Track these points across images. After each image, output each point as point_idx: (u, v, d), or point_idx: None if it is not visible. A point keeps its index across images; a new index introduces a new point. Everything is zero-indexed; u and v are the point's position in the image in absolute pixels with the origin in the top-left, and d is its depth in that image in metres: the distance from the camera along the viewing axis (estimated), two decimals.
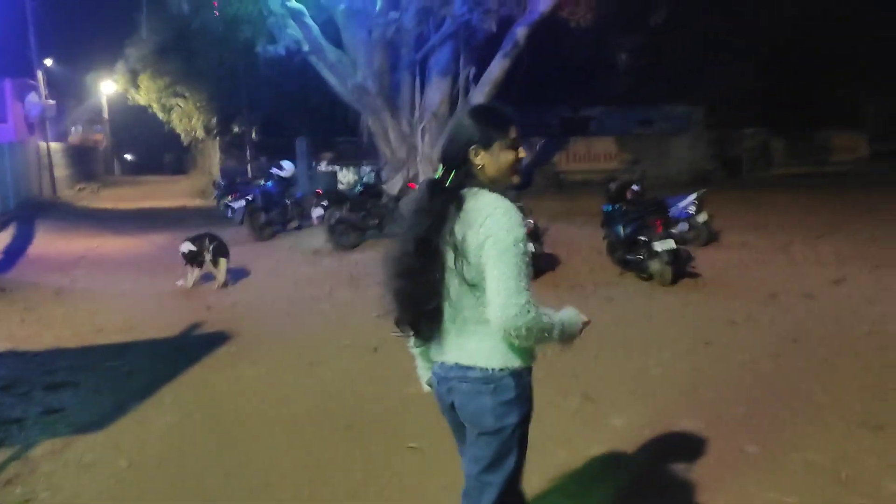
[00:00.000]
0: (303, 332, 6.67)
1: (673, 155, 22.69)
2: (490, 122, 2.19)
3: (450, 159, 2.19)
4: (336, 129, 21.55)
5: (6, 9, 21.02)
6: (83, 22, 38.10)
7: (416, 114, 13.41)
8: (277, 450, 4.07)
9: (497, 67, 13.21)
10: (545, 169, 21.99)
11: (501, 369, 2.14)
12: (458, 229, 2.10)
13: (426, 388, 2.50)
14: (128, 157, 53.50)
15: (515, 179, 2.21)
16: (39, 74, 23.37)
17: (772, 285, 7.51)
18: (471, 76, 13.32)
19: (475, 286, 2.11)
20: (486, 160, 2.16)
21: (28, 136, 23.22)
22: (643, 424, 4.19)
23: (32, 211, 17.56)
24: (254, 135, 25.27)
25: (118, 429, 4.42)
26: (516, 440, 2.23)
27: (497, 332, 2.08)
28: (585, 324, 2.30)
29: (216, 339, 6.39)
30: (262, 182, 15.01)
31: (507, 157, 2.19)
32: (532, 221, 8.62)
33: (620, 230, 8.42)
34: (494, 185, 2.17)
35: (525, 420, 2.24)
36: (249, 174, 20.62)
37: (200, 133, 25.77)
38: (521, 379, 2.20)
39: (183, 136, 26.79)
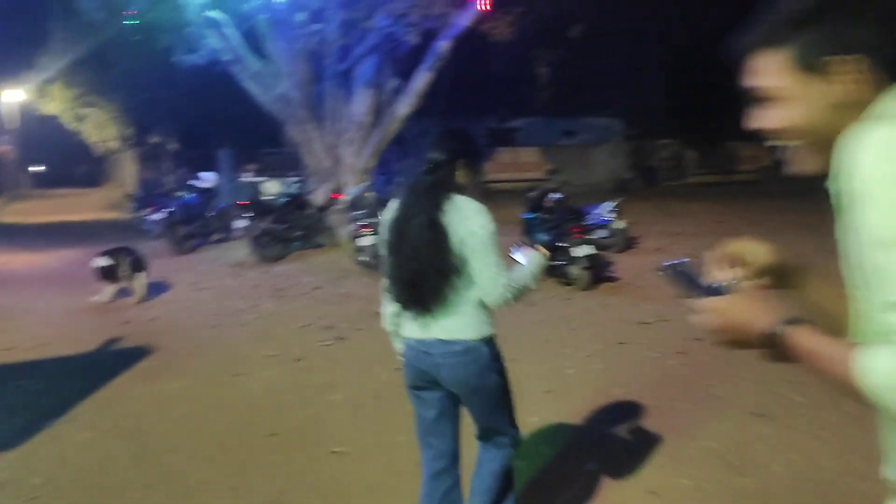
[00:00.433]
0: (226, 344, 6.61)
1: (595, 165, 23.37)
2: (479, 149, 2.78)
3: (439, 163, 2.62)
4: (259, 140, 21.31)
5: None
6: None
7: (341, 124, 13.40)
8: (199, 460, 4.06)
9: (421, 79, 13.33)
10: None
11: (477, 339, 2.57)
12: (437, 207, 2.52)
13: (401, 359, 2.85)
14: (36, 168, 51.33)
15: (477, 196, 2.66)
16: None
17: None
18: (395, 88, 13.41)
19: (460, 268, 2.51)
20: (466, 175, 2.66)
21: None
22: (558, 421, 4.36)
23: None
24: (172, 146, 24.71)
25: (32, 447, 4.30)
26: (501, 388, 2.71)
27: (489, 306, 2.58)
28: (545, 255, 2.78)
29: (135, 354, 6.27)
30: (181, 194, 14.74)
31: (481, 177, 2.79)
32: None
33: (540, 237, 8.67)
34: (465, 193, 2.62)
35: (502, 372, 2.70)
36: (168, 186, 20.16)
37: (116, 144, 25.02)
38: (493, 344, 2.66)
39: (96, 146, 25.95)
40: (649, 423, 4.28)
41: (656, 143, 24.67)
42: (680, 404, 4.53)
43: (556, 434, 4.20)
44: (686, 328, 6.00)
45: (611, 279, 8.57)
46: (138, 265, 8.43)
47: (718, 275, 1.31)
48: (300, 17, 12.10)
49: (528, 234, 9.09)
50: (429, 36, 12.97)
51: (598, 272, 8.40)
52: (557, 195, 10.02)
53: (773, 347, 1.13)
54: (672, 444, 3.95)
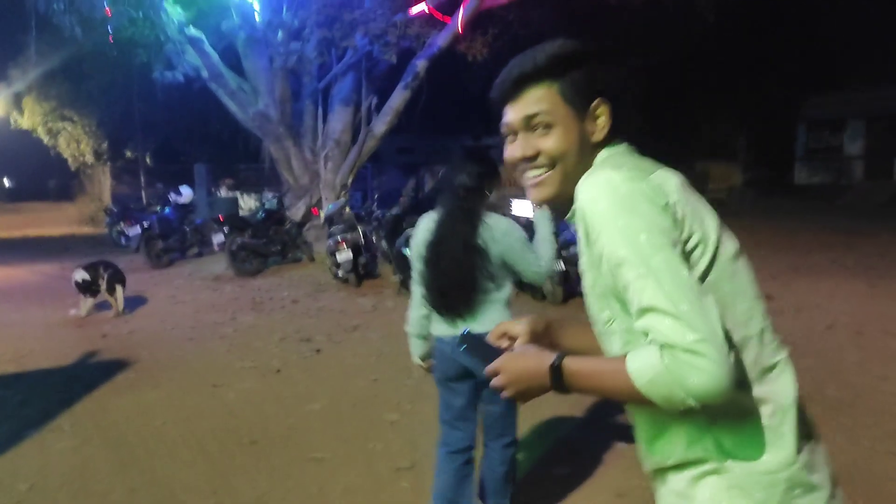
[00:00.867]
0: (205, 356, 6.71)
1: None
2: (494, 166, 3.03)
3: (472, 188, 2.94)
4: (236, 156, 21.39)
5: None
6: None
7: (319, 141, 13.56)
8: (181, 466, 4.17)
9: (398, 98, 13.54)
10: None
11: None
12: (482, 238, 2.88)
13: (419, 361, 3.32)
14: (5, 182, 50.72)
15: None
16: None
17: None
18: (373, 105, 13.60)
19: (496, 275, 2.92)
20: (491, 193, 3.01)
21: None
22: (529, 428, 4.53)
23: None
24: (148, 160, 24.66)
25: (16, 455, 4.39)
26: None
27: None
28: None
29: (114, 367, 6.35)
30: (158, 208, 14.77)
31: (502, 190, 3.21)
32: None
33: None
34: (493, 209, 3.00)
35: None
36: (144, 200, 20.13)
37: (90, 158, 24.89)
38: None
39: (70, 161, 25.79)
40: (618, 429, 4.47)
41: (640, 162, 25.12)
42: None
43: (527, 440, 4.37)
44: None
45: (583, 294, 8.80)
46: (117, 279, 8.49)
47: (502, 344, 1.53)
48: (279, 35, 12.27)
49: None
50: (406, 55, 13.21)
51: (571, 287, 8.61)
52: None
53: (556, 381, 1.31)
54: (631, 456, 4.12)
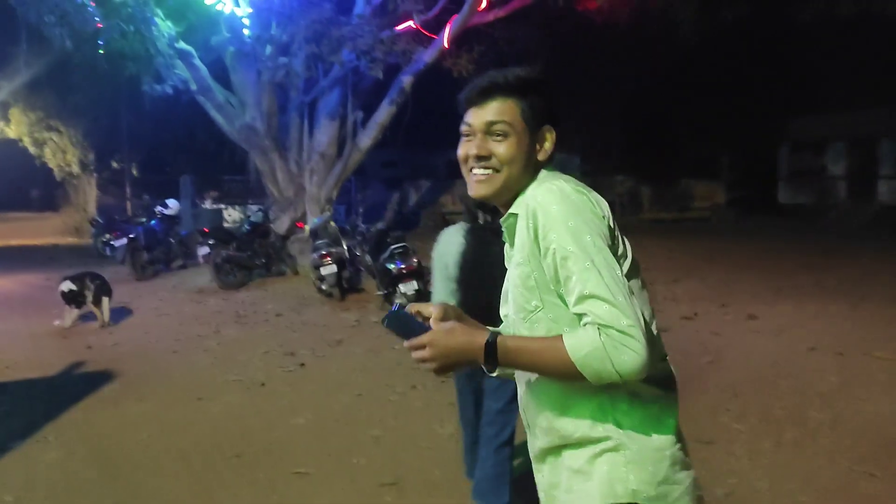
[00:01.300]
0: (189, 369, 6.75)
1: None
2: None
3: (489, 208, 3.12)
4: (222, 168, 21.39)
5: None
6: None
7: (304, 154, 13.62)
8: (166, 479, 4.22)
9: (384, 112, 13.65)
10: (432, 210, 22.61)
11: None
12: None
13: None
14: None
15: None
16: None
17: None
18: (358, 120, 13.68)
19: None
20: None
21: None
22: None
23: None
24: (134, 171, 24.61)
25: (1, 466, 4.42)
26: None
27: None
28: None
29: (99, 379, 6.37)
30: (143, 220, 14.77)
31: None
32: (416, 261, 9.05)
33: None
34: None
35: None
36: (129, 212, 20.09)
37: (76, 168, 24.79)
38: None
39: (56, 171, 25.67)
40: None
41: (612, 180, 25.33)
42: None
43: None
44: None
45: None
46: (103, 290, 8.51)
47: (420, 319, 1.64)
48: (267, 50, 12.37)
49: None
50: (392, 71, 13.34)
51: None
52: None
53: (489, 357, 1.50)
54: None
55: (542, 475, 1.69)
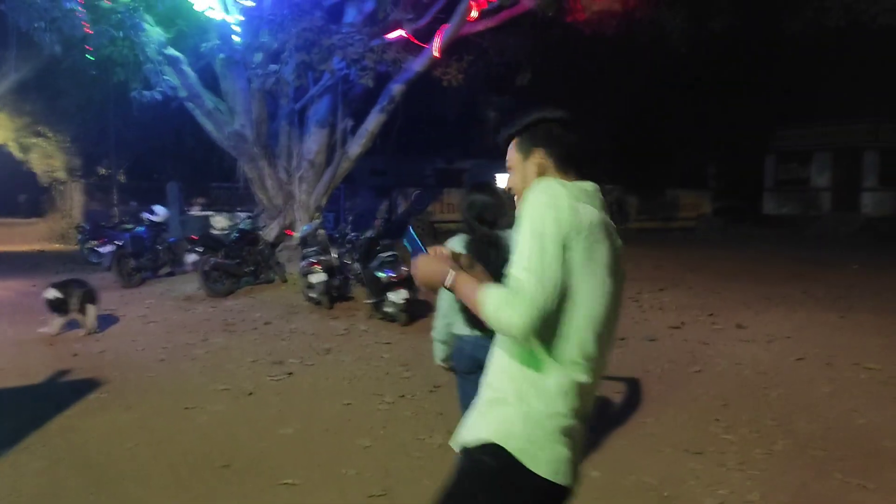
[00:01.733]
0: (177, 377, 6.70)
1: None
2: (503, 195, 3.38)
3: (488, 220, 3.42)
4: (211, 175, 21.30)
5: None
6: None
7: (294, 162, 13.60)
8: (154, 489, 4.18)
9: (374, 121, 13.67)
10: (421, 218, 22.60)
11: None
12: (503, 258, 3.26)
13: (440, 363, 3.83)
14: None
15: None
16: None
17: (621, 331, 8.22)
18: (348, 128, 13.69)
19: None
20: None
21: None
22: None
23: None
24: (121, 178, 24.47)
25: None
26: None
27: None
28: None
29: (85, 387, 6.31)
30: (130, 226, 14.67)
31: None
32: (407, 269, 9.04)
33: None
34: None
35: None
36: (116, 218, 19.95)
37: (62, 174, 24.64)
38: None
39: (42, 176, 25.50)
40: (588, 459, 4.56)
41: (599, 189, 25.43)
42: (616, 441, 4.82)
43: None
44: (625, 368, 6.36)
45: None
46: (89, 298, 8.44)
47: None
48: (257, 57, 12.35)
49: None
50: (382, 79, 13.36)
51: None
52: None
53: (450, 286, 1.96)
54: (609, 479, 4.23)
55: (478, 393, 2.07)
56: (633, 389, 5.99)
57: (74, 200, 23.62)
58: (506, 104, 22.36)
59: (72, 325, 8.53)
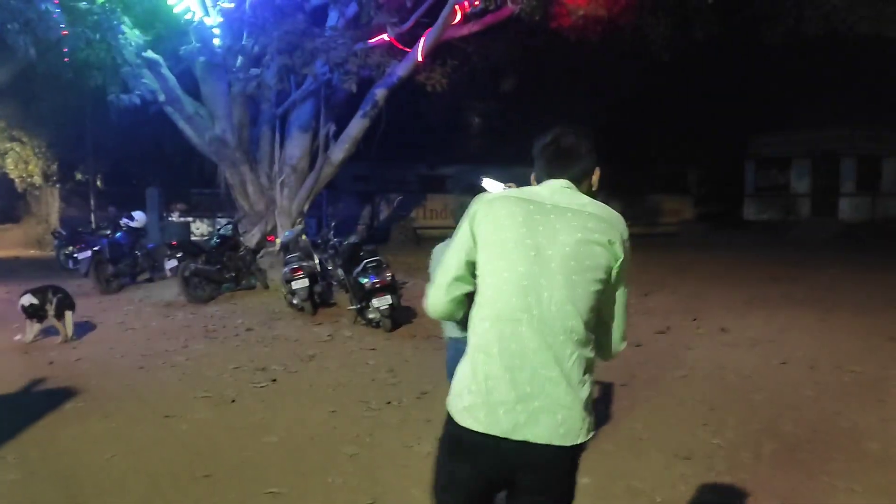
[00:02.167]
0: (156, 385, 6.55)
1: None
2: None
3: None
4: (191, 180, 21.05)
5: None
6: None
7: (276, 167, 13.45)
8: (132, 501, 4.05)
9: (356, 126, 13.54)
10: (403, 224, 22.51)
11: None
12: None
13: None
14: None
15: None
16: None
17: None
18: (331, 133, 13.54)
19: None
20: None
21: None
22: None
23: None
24: (99, 183, 24.13)
25: None
26: None
27: None
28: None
29: (61, 396, 6.15)
30: (108, 232, 14.44)
31: None
32: (390, 275, 8.95)
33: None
34: None
35: None
36: (93, 224, 19.65)
37: (38, 179, 24.24)
38: None
39: (18, 182, 25.08)
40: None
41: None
42: (606, 446, 4.74)
43: None
44: (612, 374, 6.29)
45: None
46: (66, 304, 8.25)
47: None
48: (238, 61, 12.21)
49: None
50: (366, 84, 13.25)
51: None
52: None
53: None
54: (600, 484, 4.15)
55: None
56: (622, 394, 5.94)
57: (51, 206, 23.29)
58: (490, 110, 22.35)
59: (48, 332, 8.34)
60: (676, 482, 4.22)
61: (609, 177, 2.36)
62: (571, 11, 12.75)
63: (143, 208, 15.93)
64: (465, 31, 13.61)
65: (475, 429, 2.00)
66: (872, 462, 4.39)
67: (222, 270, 11.45)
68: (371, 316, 8.95)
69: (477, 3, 12.58)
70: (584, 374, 2.02)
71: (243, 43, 11.92)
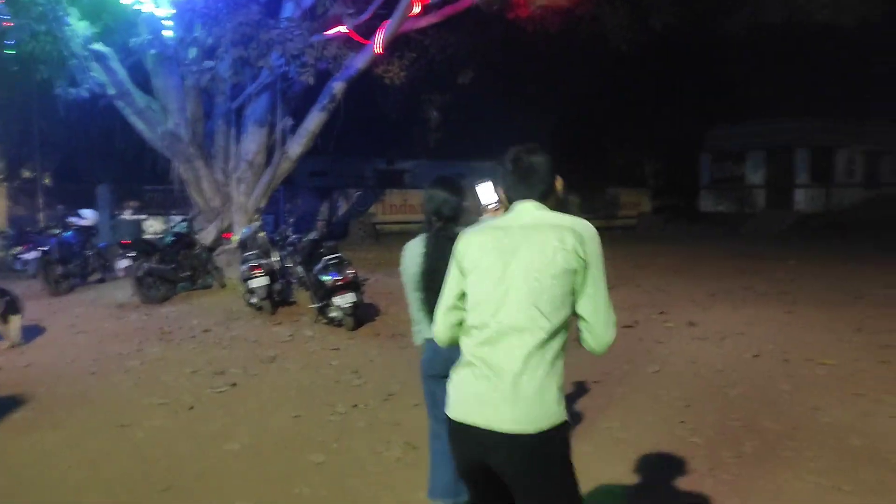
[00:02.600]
0: (110, 391, 6.27)
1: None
2: (464, 191, 3.44)
3: (445, 216, 3.41)
4: (143, 177, 20.46)
5: None
6: None
7: (231, 163, 13.11)
8: None
9: (314, 119, 13.27)
10: (362, 220, 22.27)
11: None
12: None
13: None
14: None
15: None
16: None
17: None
18: (287, 127, 13.26)
19: None
20: (469, 213, 3.42)
21: None
22: None
23: None
24: (47, 181, 23.35)
25: None
26: None
27: None
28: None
29: (9, 404, 5.83)
30: (57, 231, 13.93)
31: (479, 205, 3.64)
32: (353, 272, 8.75)
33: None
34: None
35: None
36: (42, 223, 18.98)
37: None
38: None
39: None
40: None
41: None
42: (584, 447, 4.63)
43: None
44: (583, 372, 6.22)
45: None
46: (12, 307, 7.88)
47: None
48: (191, 53, 11.85)
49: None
50: (323, 77, 12.99)
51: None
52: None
53: None
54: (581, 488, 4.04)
55: None
56: (596, 392, 5.85)
57: None
58: (448, 103, 22.20)
59: None
60: (657, 484, 4.14)
61: (568, 170, 2.44)
62: (530, 2, 12.67)
63: (93, 206, 15.44)
64: (423, 22, 13.44)
65: (457, 418, 2.30)
66: (858, 459, 4.32)
67: (177, 269, 11.12)
68: (333, 314, 8.74)
69: None
70: (551, 368, 2.20)
71: (196, 34, 11.57)
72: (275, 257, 10.21)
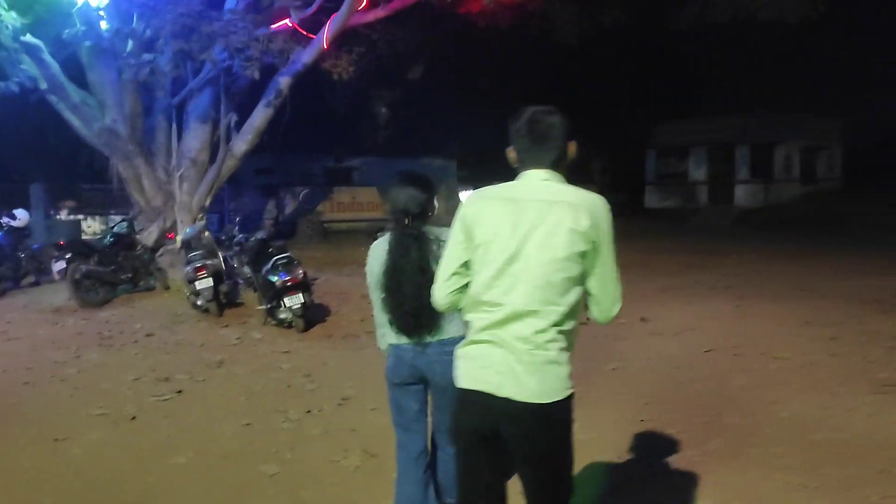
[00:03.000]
0: (45, 403, 5.89)
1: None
2: (432, 186, 3.32)
3: (411, 212, 3.21)
4: (80, 175, 19.75)
5: None
6: None
7: (174, 160, 12.64)
8: None
9: (260, 115, 12.90)
10: (310, 218, 21.89)
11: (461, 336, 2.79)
12: (425, 254, 3.11)
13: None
14: None
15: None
16: None
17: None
18: (232, 123, 12.85)
19: None
20: (434, 210, 3.31)
21: None
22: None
23: None
24: None
25: None
26: None
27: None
28: None
29: None
30: None
31: (448, 202, 3.45)
32: (302, 272, 8.49)
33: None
34: (435, 221, 3.29)
35: None
36: None
37: None
38: None
39: None
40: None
41: (488, 184, 25.52)
42: None
43: None
44: None
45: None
46: None
47: None
48: (129, 46, 11.37)
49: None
50: (268, 71, 12.63)
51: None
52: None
53: None
54: None
55: None
56: None
57: None
58: (397, 99, 21.99)
59: None
60: (624, 487, 4.03)
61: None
62: None
63: (26, 206, 14.75)
64: (370, 16, 13.19)
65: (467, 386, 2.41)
66: (821, 455, 4.24)
67: (117, 271, 10.65)
68: (282, 316, 8.47)
69: None
70: (565, 343, 2.35)
71: (133, 26, 11.11)
72: (221, 257, 9.86)
